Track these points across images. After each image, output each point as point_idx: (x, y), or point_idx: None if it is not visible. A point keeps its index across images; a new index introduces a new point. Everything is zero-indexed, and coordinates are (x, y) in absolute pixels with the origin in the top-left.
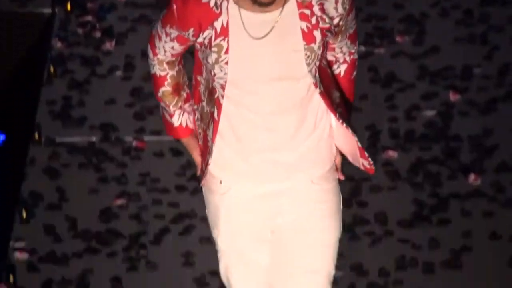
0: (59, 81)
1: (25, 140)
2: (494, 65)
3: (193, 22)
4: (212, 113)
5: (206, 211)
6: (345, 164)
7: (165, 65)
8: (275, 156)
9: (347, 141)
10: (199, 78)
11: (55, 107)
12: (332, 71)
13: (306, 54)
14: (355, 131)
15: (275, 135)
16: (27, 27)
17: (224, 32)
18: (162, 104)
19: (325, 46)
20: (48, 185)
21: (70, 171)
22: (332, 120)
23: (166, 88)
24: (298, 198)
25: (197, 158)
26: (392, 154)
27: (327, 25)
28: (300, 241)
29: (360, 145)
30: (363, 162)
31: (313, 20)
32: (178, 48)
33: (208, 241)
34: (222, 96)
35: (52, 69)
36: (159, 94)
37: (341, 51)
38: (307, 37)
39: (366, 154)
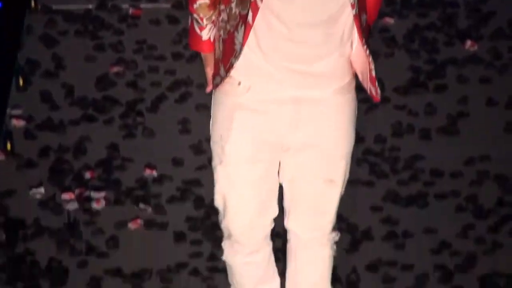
0: None
1: (21, 7)
2: None
3: None
4: (244, 16)
5: (211, 122)
6: None
7: None
8: (295, 66)
9: (362, 61)
10: None
11: None
12: None
13: None
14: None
15: (299, 47)
16: None
17: None
18: (195, 16)
19: None
20: (44, 52)
21: (66, 38)
22: (355, 39)
23: (204, 1)
24: (317, 108)
25: (209, 73)
26: (389, 20)
27: None
28: (315, 152)
29: (373, 69)
30: (371, 88)
31: None
32: None
33: (205, 108)
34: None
35: None
36: (196, 6)
37: None
38: None
39: (376, 83)
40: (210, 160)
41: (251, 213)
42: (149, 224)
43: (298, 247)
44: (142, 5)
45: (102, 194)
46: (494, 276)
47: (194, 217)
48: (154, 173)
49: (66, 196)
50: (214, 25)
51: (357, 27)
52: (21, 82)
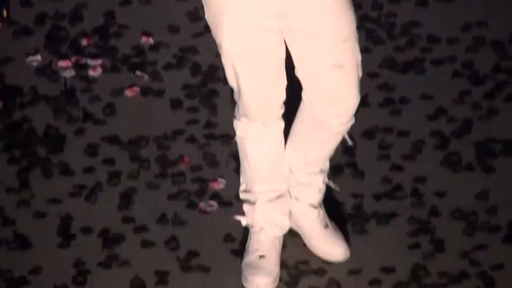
0: None
1: None
2: None
3: None
4: None
5: (206, 14)
6: None
7: None
8: None
9: None
10: None
11: None
12: None
13: None
14: None
15: None
16: None
17: None
18: None
19: None
20: None
21: None
22: None
23: None
24: None
25: None
26: None
27: None
28: (317, 38)
29: None
30: None
31: None
32: None
33: None
34: None
35: None
36: None
37: None
38: None
39: None
40: (206, 27)
41: (262, 88)
42: (145, 91)
43: (314, 125)
44: None
45: (98, 61)
46: (489, 142)
47: (190, 84)
48: (151, 40)
49: (62, 63)
50: None
51: None
52: None
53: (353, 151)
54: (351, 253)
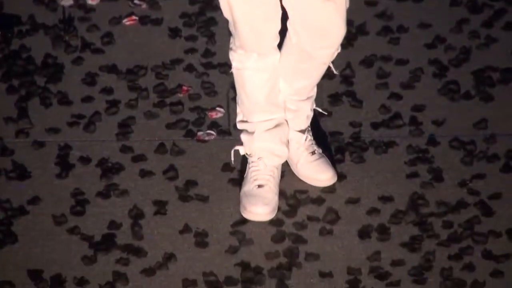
0: None
1: None
2: None
3: None
4: None
5: None
6: None
7: None
8: None
9: None
10: None
11: None
12: None
13: None
14: None
15: None
16: None
17: None
18: None
19: None
20: None
21: None
22: None
23: None
24: None
25: None
26: None
27: None
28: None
29: None
30: None
31: None
32: None
33: None
34: None
35: None
36: None
37: None
38: None
39: None
40: None
41: (257, 19)
42: (144, 20)
43: (300, 55)
44: None
45: None
46: (487, 70)
47: (189, 12)
48: None
49: None
50: None
51: None
52: None
53: (351, 80)
54: (349, 182)
